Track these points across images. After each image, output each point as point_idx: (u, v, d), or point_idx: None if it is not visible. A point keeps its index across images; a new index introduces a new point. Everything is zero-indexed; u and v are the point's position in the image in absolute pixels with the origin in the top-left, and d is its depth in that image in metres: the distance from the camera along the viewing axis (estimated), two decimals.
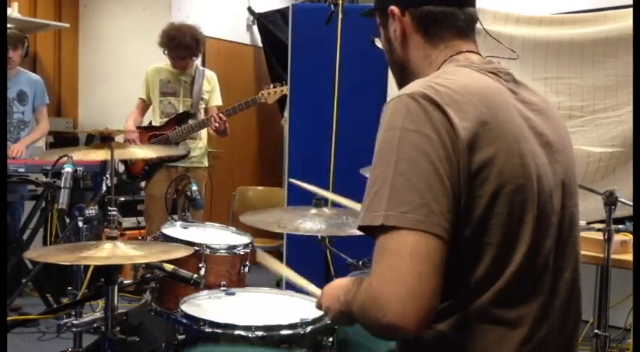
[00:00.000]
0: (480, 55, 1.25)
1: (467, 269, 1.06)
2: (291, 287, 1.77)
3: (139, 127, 4.08)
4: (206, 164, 4.18)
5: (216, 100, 4.18)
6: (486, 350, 1.07)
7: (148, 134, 4.01)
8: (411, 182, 1.00)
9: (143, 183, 4.28)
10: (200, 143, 4.11)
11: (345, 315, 1.15)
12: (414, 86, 1.09)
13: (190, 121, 3.99)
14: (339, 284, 1.19)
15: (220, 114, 3.88)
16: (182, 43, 3.92)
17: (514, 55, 1.38)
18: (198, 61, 4.24)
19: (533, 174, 1.08)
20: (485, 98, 1.08)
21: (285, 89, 3.91)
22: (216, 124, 3.86)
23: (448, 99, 1.04)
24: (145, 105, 4.15)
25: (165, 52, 4.00)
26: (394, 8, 1.23)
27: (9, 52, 4.07)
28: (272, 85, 3.98)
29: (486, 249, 1.05)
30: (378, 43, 1.36)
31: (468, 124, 1.03)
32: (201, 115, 4.08)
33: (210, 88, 4.16)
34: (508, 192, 1.05)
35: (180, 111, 4.04)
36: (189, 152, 4.00)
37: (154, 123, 4.10)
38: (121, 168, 4.43)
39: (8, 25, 4.19)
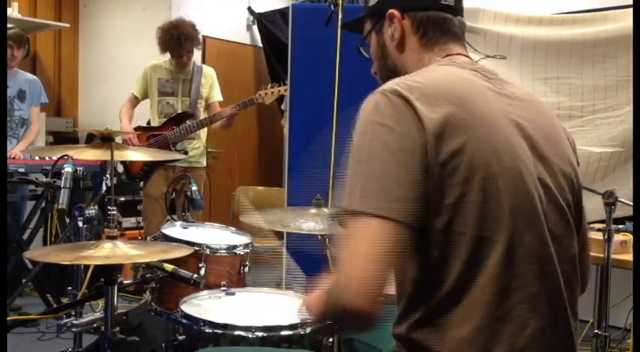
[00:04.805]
0: (470, 58, 1.29)
1: (448, 262, 1.07)
2: (291, 287, 1.77)
3: (138, 128, 4.08)
4: (204, 164, 4.18)
5: (217, 96, 4.17)
6: (482, 347, 1.07)
7: (147, 134, 4.00)
8: (373, 172, 1.05)
9: (142, 183, 4.28)
10: (198, 143, 4.11)
11: (325, 317, 1.20)
12: (388, 83, 1.13)
13: (189, 121, 3.98)
14: (319, 293, 1.19)
15: (233, 111, 3.90)
16: (188, 36, 3.93)
17: (504, 57, 1.44)
18: (198, 58, 4.24)
19: (507, 163, 1.09)
20: (457, 90, 1.12)
21: (283, 89, 3.91)
22: (227, 120, 3.91)
23: (418, 93, 1.09)
24: (137, 101, 4.15)
25: (170, 53, 3.99)
26: (395, 11, 1.28)
27: (14, 50, 4.12)
28: (269, 85, 3.98)
29: (463, 239, 1.06)
30: (364, 53, 1.40)
31: (436, 116, 1.06)
32: (201, 114, 4.08)
33: (209, 85, 4.14)
34: (480, 181, 1.06)
35: (179, 110, 4.04)
36: (187, 153, 3.99)
37: (152, 123, 4.09)
38: (120, 168, 4.44)
39: (11, 25, 4.23)
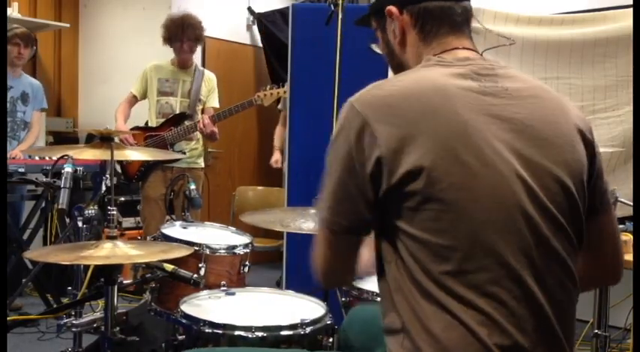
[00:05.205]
0: (473, 50, 1.26)
1: (413, 264, 1.10)
2: (292, 287, 1.77)
3: (136, 128, 4.07)
4: (202, 164, 4.16)
5: (213, 102, 4.15)
6: (459, 346, 1.07)
7: (144, 135, 3.98)
8: (328, 185, 1.19)
9: (140, 184, 4.26)
10: (196, 144, 4.09)
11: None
12: (360, 92, 1.17)
13: (186, 122, 3.97)
14: None
15: (206, 118, 3.88)
16: (192, 24, 3.94)
17: (513, 41, 1.42)
18: (198, 61, 4.22)
19: (475, 171, 1.08)
20: (422, 100, 1.12)
21: (282, 91, 3.89)
22: (201, 127, 3.85)
23: (378, 106, 1.13)
24: (135, 101, 4.12)
25: (171, 41, 3.97)
26: (392, 8, 1.27)
27: (21, 48, 4.14)
28: (268, 87, 3.96)
29: (422, 244, 1.09)
30: (376, 49, 1.39)
31: (395, 130, 1.10)
32: (199, 116, 4.06)
33: (208, 90, 4.14)
34: (440, 191, 1.07)
35: (177, 111, 4.02)
36: (185, 153, 3.97)
37: (150, 124, 4.06)
38: (117, 168, 4.42)
39: (16, 24, 4.24)
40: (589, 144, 1.23)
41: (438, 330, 1.08)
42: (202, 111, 4.09)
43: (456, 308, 1.07)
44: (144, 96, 4.11)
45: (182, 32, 3.93)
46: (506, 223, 1.10)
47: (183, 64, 4.04)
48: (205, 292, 2.16)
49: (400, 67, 1.30)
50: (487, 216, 1.09)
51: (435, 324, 1.08)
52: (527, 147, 1.14)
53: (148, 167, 3.98)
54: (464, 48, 1.25)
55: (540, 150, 1.15)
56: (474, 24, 1.30)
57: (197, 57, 4.46)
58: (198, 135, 4.06)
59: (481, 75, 1.19)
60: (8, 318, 3.33)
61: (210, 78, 4.15)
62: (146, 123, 4.12)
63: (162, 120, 4.01)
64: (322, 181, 1.21)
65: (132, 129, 4.03)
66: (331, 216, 1.18)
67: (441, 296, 1.08)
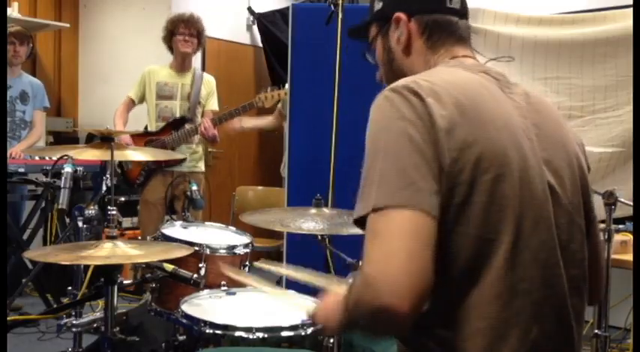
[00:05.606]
0: (476, 60, 1.29)
1: (452, 261, 1.05)
2: (293, 287, 1.77)
3: (136, 135, 4.06)
4: (202, 168, 4.14)
5: (213, 105, 4.14)
6: (486, 350, 1.06)
7: (144, 140, 3.96)
8: (396, 165, 1.02)
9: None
10: (197, 147, 4.09)
11: (344, 326, 1.11)
12: (398, 82, 1.12)
13: (187, 126, 3.96)
14: (336, 300, 1.09)
15: (208, 121, 3.87)
16: (192, 20, 3.98)
17: (511, 58, 1.41)
18: (198, 61, 4.21)
19: (514, 165, 1.08)
20: (466, 90, 1.11)
21: (283, 93, 3.89)
22: (202, 130, 3.85)
23: (428, 90, 1.08)
24: (132, 105, 4.11)
25: (175, 38, 3.97)
26: (401, 15, 1.28)
27: (16, 46, 4.15)
28: (269, 89, 3.96)
29: (467, 239, 1.05)
30: (369, 58, 1.40)
31: (446, 112, 1.05)
32: (199, 120, 4.05)
33: (207, 92, 4.13)
34: (487, 181, 1.05)
35: (177, 115, 4.00)
36: (186, 159, 3.96)
37: (149, 128, 4.05)
38: (117, 170, 4.41)
39: (9, 24, 4.24)
40: (586, 158, 1.29)
41: (465, 332, 1.06)
42: (202, 115, 4.08)
43: (491, 307, 1.06)
44: (141, 100, 4.09)
45: (184, 25, 3.95)
46: (541, 221, 1.10)
47: (182, 62, 4.03)
48: (206, 292, 2.16)
49: (400, 73, 1.28)
50: (524, 211, 1.08)
51: (466, 326, 1.06)
52: (548, 149, 1.16)
53: (148, 171, 3.97)
54: (468, 56, 1.28)
55: (558, 153, 1.18)
56: (475, 24, 1.32)
57: (197, 57, 4.46)
58: (197, 138, 4.06)
59: (500, 80, 1.21)
60: (8, 318, 3.34)
61: (209, 81, 4.14)
62: (145, 127, 4.11)
63: (162, 123, 3.99)
64: (375, 171, 1.04)
65: (132, 136, 4.01)
66: (416, 193, 0.99)
67: (476, 296, 1.06)
